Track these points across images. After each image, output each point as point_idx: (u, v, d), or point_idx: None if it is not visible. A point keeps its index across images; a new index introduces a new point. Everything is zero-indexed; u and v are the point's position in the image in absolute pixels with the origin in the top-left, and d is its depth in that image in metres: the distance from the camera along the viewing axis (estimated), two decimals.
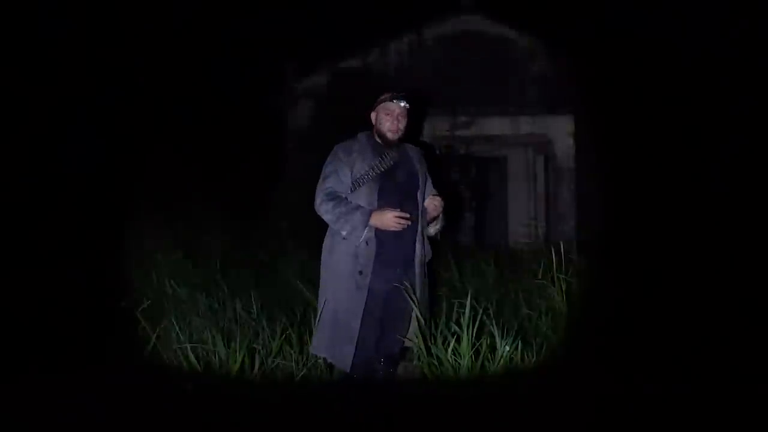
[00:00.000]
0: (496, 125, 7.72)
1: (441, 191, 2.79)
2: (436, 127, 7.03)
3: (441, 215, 2.70)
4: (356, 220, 2.50)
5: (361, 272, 2.54)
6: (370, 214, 2.51)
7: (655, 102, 2.91)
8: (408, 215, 2.52)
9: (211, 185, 6.26)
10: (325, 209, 2.55)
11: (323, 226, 2.67)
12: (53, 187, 2.83)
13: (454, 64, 7.60)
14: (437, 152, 6.90)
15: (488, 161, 7.96)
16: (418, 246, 2.63)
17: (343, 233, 2.53)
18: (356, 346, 2.53)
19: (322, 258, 2.66)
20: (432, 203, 2.66)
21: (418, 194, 2.65)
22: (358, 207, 2.52)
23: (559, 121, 7.64)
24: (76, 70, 3.06)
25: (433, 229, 2.72)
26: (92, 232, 3.00)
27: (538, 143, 7.81)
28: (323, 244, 2.66)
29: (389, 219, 2.49)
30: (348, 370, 2.56)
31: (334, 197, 2.55)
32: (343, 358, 2.55)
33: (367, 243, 2.53)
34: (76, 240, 2.85)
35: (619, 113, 3.27)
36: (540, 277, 3.32)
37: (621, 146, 3.22)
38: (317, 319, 2.66)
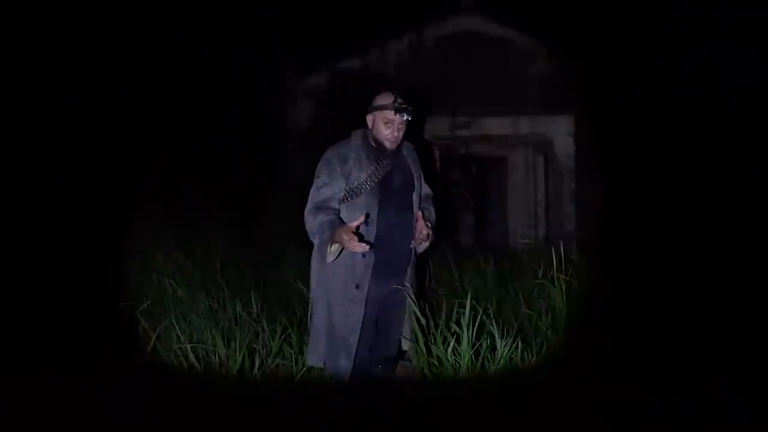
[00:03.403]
0: (496, 125, 7.72)
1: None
2: (436, 127, 7.03)
3: (430, 233, 2.57)
4: (324, 233, 2.37)
5: (357, 287, 2.44)
6: (334, 230, 2.34)
7: (656, 102, 2.91)
8: (367, 247, 2.31)
9: (211, 185, 6.26)
10: (308, 219, 2.44)
11: None
12: (53, 186, 2.83)
13: (454, 64, 7.59)
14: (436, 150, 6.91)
15: (488, 161, 7.96)
16: (412, 249, 2.59)
17: (315, 243, 2.43)
18: (354, 360, 2.46)
19: (313, 265, 2.55)
20: (422, 231, 2.51)
21: (414, 195, 2.58)
22: (328, 219, 2.38)
23: (559, 121, 7.65)
24: (77, 70, 3.06)
25: (421, 248, 2.61)
26: (92, 232, 3.00)
27: (538, 143, 7.81)
28: (314, 252, 2.54)
29: (344, 239, 2.29)
30: (346, 381, 2.48)
31: (321, 207, 2.43)
32: (340, 369, 2.47)
33: (363, 255, 2.41)
34: (76, 240, 2.85)
35: (619, 113, 3.27)
36: (540, 277, 3.32)
37: (621, 146, 3.22)
38: (310, 329, 2.58)
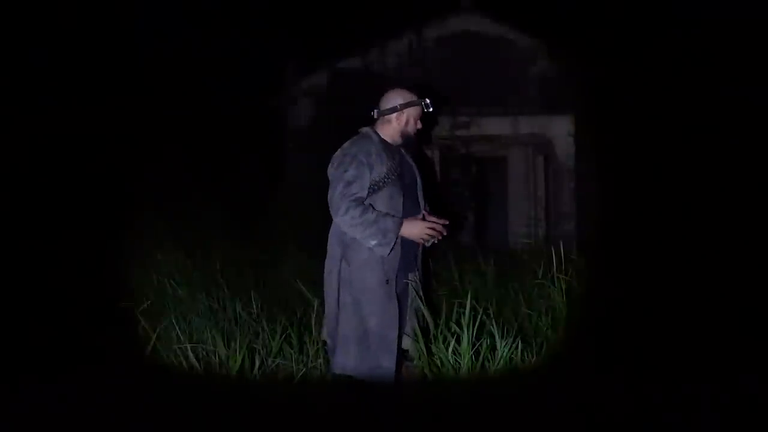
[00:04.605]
0: (496, 125, 7.73)
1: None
2: (436, 127, 7.04)
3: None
4: (388, 230, 2.38)
5: (387, 281, 2.45)
6: (400, 223, 2.41)
7: (655, 102, 2.91)
8: (441, 225, 2.46)
9: (212, 185, 6.26)
10: (351, 216, 2.36)
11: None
12: (53, 186, 2.83)
13: (454, 64, 7.60)
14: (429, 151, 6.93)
15: (488, 161, 7.96)
16: (422, 246, 2.62)
17: (372, 242, 2.39)
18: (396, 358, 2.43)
19: (334, 269, 2.48)
20: (440, 231, 2.56)
21: (419, 192, 2.64)
22: (386, 215, 2.40)
23: (559, 121, 7.65)
24: (76, 69, 3.06)
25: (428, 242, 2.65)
26: (92, 231, 3.00)
27: (538, 143, 7.81)
28: (331, 254, 2.52)
29: (422, 231, 2.43)
30: (392, 382, 2.44)
31: (359, 205, 2.39)
32: (383, 372, 2.41)
33: (391, 250, 2.44)
34: (76, 240, 2.85)
35: (619, 113, 3.27)
36: (540, 277, 3.33)
37: (621, 146, 3.22)
38: (319, 324, 2.58)
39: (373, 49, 7.81)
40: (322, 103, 7.57)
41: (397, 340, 2.45)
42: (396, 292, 2.48)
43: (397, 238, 2.41)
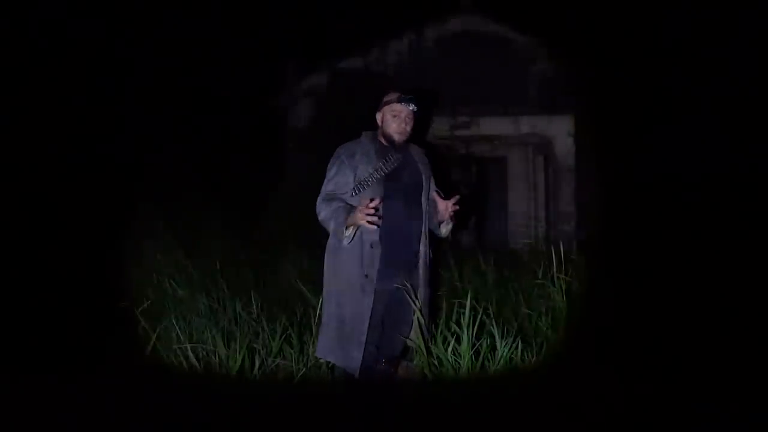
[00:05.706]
0: (496, 125, 7.73)
1: (443, 191, 2.77)
2: (436, 127, 7.04)
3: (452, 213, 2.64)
4: (339, 217, 2.47)
5: (366, 276, 2.51)
6: (349, 211, 2.47)
7: (656, 101, 2.91)
8: (374, 210, 2.40)
9: (212, 185, 6.27)
10: (319, 209, 2.54)
11: (323, 226, 2.66)
12: (53, 186, 2.83)
13: (454, 64, 7.61)
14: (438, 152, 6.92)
15: (488, 161, 7.96)
16: (422, 248, 2.62)
17: (330, 231, 2.52)
18: (364, 351, 2.51)
19: (326, 260, 2.61)
20: (444, 205, 2.60)
21: (422, 196, 2.63)
22: (343, 206, 2.49)
23: (559, 121, 7.66)
24: (77, 69, 3.06)
25: (444, 230, 2.69)
26: (92, 232, 3.00)
27: (538, 143, 7.82)
28: (327, 246, 2.62)
29: (358, 216, 2.40)
30: (356, 375, 2.52)
31: (329, 198, 2.53)
32: (352, 362, 2.52)
33: (371, 246, 2.50)
34: (76, 240, 2.85)
35: (619, 113, 3.27)
36: (540, 277, 3.33)
37: (621, 146, 3.22)
38: (320, 322, 2.63)
39: (373, 49, 7.81)
40: (322, 103, 7.57)
41: (366, 333, 2.51)
42: (376, 287, 2.52)
43: (347, 227, 2.45)
